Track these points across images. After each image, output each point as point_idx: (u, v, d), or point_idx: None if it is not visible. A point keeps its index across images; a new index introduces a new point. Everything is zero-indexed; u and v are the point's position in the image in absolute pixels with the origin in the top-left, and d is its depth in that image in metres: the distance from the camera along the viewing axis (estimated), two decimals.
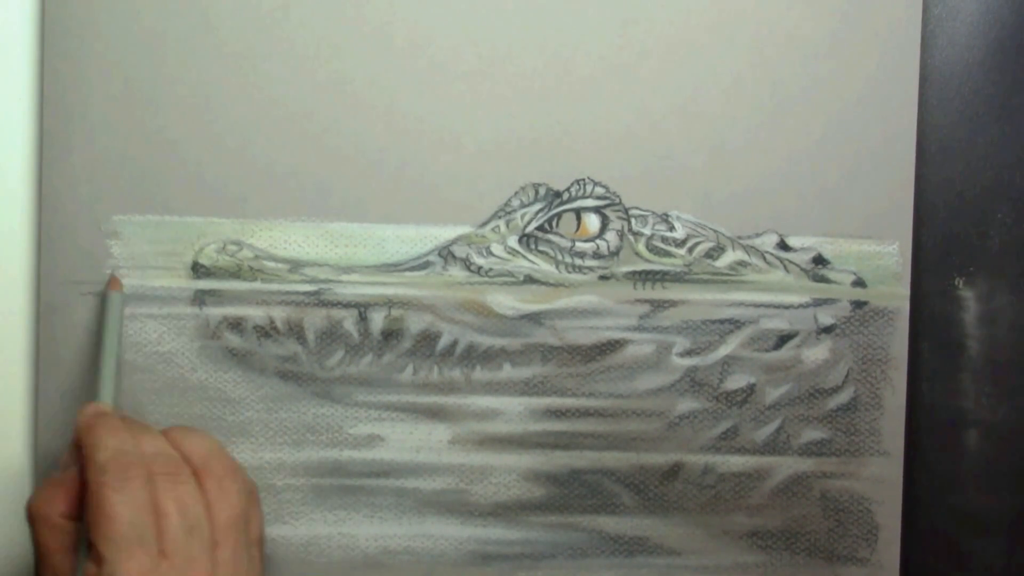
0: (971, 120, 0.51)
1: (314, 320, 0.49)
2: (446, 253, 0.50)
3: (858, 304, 0.50)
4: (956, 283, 0.51)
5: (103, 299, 0.48)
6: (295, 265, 0.49)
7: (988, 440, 0.52)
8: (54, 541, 0.44)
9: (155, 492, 0.43)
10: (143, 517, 0.42)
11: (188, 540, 0.43)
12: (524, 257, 0.50)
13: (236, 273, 0.49)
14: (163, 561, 0.42)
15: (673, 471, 0.51)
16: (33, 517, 0.44)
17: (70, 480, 0.44)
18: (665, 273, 0.50)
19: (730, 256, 0.50)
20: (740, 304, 0.50)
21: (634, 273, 0.50)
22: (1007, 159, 0.51)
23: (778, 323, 0.50)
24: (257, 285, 0.49)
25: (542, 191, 0.50)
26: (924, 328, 0.51)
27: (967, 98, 0.51)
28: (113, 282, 0.48)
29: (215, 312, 0.49)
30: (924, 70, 0.51)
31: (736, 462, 0.51)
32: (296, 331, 0.49)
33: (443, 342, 0.50)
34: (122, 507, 0.42)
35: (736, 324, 0.50)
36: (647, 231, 0.50)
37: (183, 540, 0.43)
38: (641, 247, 0.50)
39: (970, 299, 0.51)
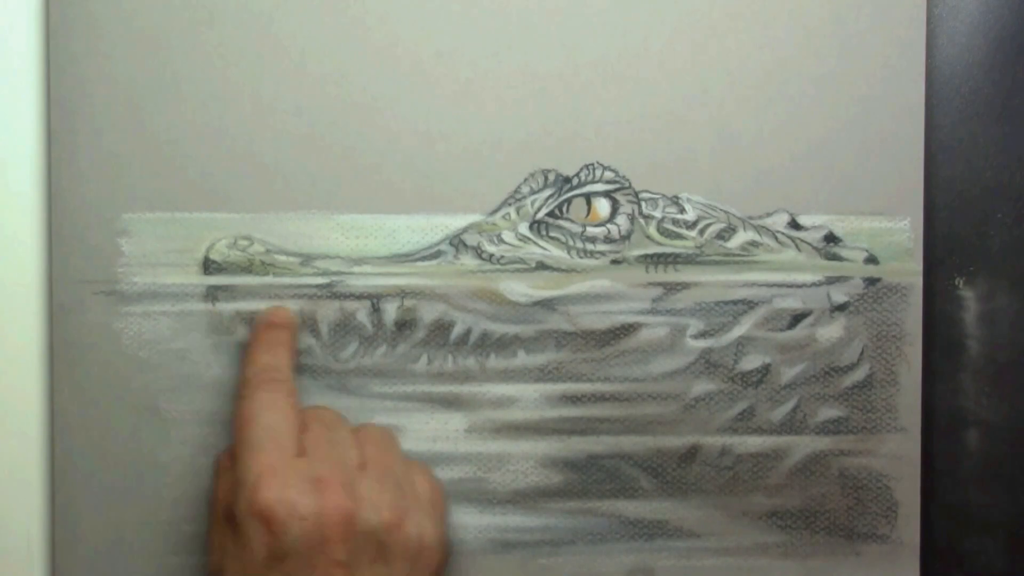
0: (971, 120, 0.51)
1: (327, 313, 0.49)
2: (457, 242, 0.50)
3: (871, 281, 0.50)
4: (956, 283, 0.51)
5: None
6: (306, 258, 0.49)
7: (988, 440, 0.52)
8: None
9: (302, 413, 0.44)
10: (281, 423, 0.42)
11: (330, 449, 0.43)
12: (535, 244, 0.50)
13: (248, 268, 0.49)
14: (299, 460, 0.42)
15: (690, 453, 0.50)
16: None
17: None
18: (677, 255, 0.50)
19: (741, 237, 0.50)
20: (753, 284, 0.50)
21: (646, 256, 0.50)
22: (1007, 159, 0.51)
23: (791, 302, 0.50)
24: (269, 279, 0.49)
25: (552, 177, 0.50)
26: (928, 320, 0.51)
27: (967, 98, 0.51)
28: None
29: (228, 307, 0.49)
30: (924, 68, 0.50)
31: (753, 443, 0.50)
32: (309, 324, 0.49)
33: (457, 331, 0.50)
34: (257, 410, 0.43)
35: (749, 304, 0.50)
36: (658, 214, 0.50)
37: (324, 448, 0.42)
38: (652, 230, 0.50)
39: (970, 299, 0.51)
